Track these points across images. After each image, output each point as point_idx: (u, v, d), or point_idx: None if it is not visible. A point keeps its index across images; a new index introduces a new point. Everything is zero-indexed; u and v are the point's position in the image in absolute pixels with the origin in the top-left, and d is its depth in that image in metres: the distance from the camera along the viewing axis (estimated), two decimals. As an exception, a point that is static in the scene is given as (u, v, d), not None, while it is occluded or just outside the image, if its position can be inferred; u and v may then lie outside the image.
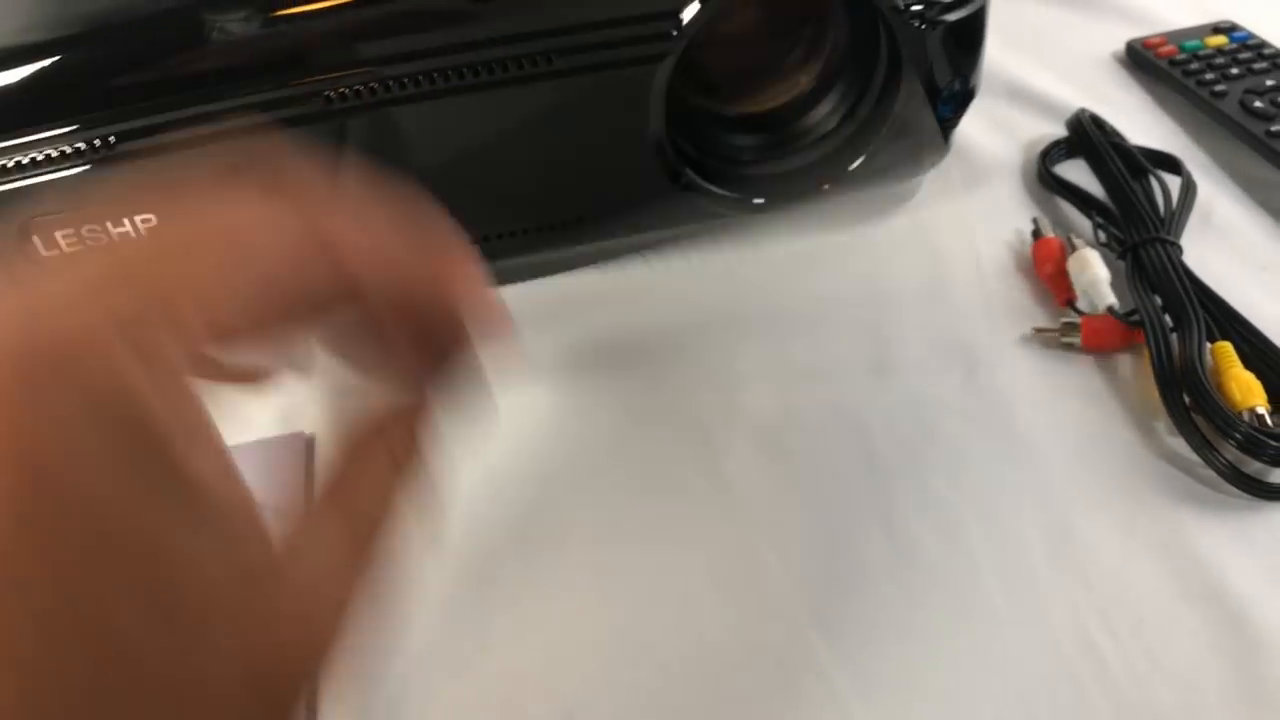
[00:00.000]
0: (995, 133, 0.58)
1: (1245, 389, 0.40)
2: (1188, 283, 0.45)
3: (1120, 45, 0.64)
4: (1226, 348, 0.42)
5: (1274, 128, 0.52)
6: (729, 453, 0.43)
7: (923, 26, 0.44)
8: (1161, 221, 0.48)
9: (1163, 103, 0.59)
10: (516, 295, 0.50)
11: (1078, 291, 0.46)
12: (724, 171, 0.48)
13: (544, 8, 0.41)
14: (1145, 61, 0.61)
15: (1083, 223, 0.51)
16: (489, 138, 0.44)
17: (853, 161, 0.48)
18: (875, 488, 0.41)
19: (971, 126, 0.58)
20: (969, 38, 0.46)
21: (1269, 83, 0.56)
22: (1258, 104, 0.54)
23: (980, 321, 0.47)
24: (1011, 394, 0.44)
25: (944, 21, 0.44)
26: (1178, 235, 0.47)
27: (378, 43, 0.41)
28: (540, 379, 0.46)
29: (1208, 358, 0.42)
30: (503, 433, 0.41)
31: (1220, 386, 0.41)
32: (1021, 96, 0.60)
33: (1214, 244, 0.50)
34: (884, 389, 0.45)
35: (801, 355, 0.46)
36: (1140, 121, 0.58)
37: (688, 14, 0.42)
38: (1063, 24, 0.67)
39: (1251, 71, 0.57)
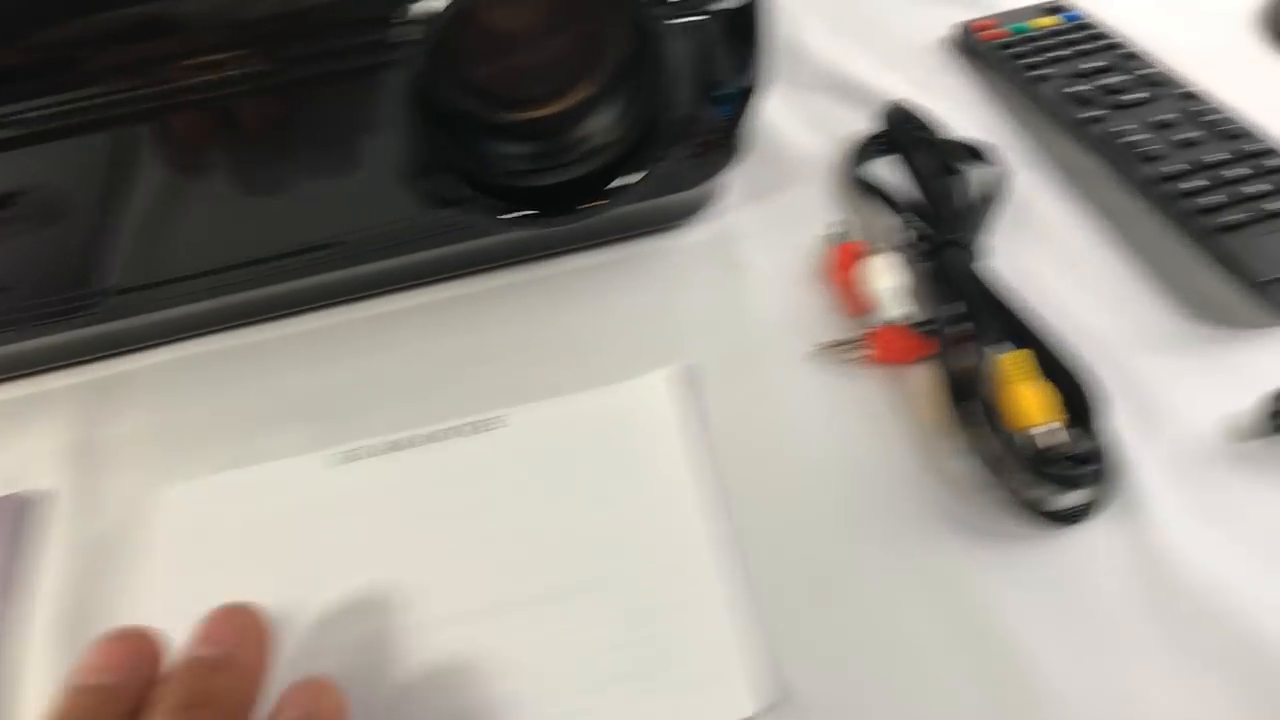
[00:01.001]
0: (811, 129, 0.54)
1: (1035, 404, 0.37)
2: (985, 287, 0.42)
3: (952, 29, 0.60)
4: (1019, 358, 0.39)
5: (1090, 114, 0.49)
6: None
7: (686, 22, 0.40)
8: (964, 220, 0.45)
9: (992, 89, 0.56)
10: (275, 332, 0.47)
11: (872, 301, 0.43)
12: (495, 184, 0.44)
13: (275, 12, 0.38)
14: (974, 46, 0.57)
15: (896, 224, 0.48)
16: (223, 157, 0.40)
17: (634, 172, 0.44)
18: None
19: (787, 123, 0.55)
20: (742, 29, 0.42)
21: (1092, 65, 0.53)
22: (1078, 88, 0.51)
23: (773, 337, 0.44)
24: (796, 414, 0.41)
25: (707, 16, 0.40)
26: (976, 235, 0.44)
27: (99, 58, 0.37)
28: (306, 420, 0.43)
29: (1000, 369, 0.39)
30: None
31: (1010, 401, 0.38)
32: (843, 88, 0.57)
33: (1031, 240, 0.47)
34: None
35: (583, 380, 0.43)
36: (969, 110, 0.55)
37: (430, 13, 0.38)
38: (894, 6, 0.63)
39: (1079, 54, 0.54)
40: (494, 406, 0.42)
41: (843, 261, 0.44)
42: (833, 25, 0.61)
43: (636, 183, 0.44)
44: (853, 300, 0.44)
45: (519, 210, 0.44)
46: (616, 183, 0.45)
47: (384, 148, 0.41)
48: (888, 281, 0.43)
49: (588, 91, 0.45)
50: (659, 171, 0.44)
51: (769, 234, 0.49)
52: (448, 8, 0.38)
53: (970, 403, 0.38)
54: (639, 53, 0.43)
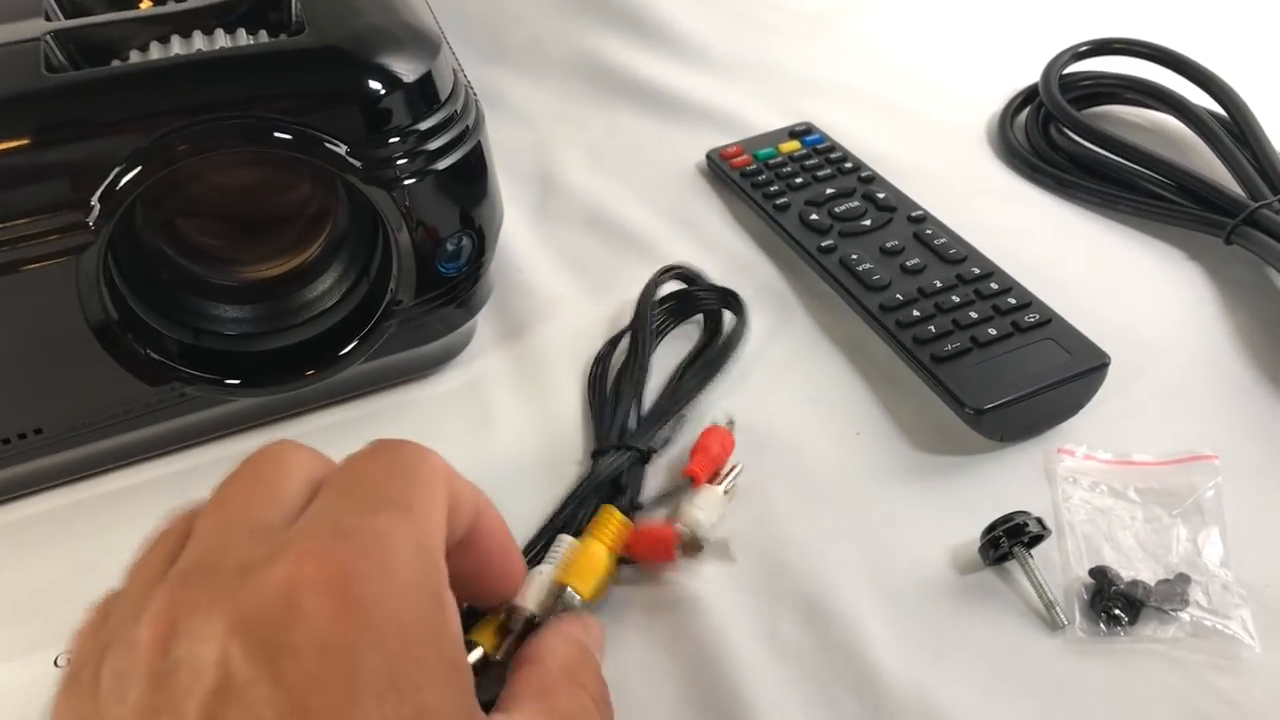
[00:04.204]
0: (562, 264, 0.54)
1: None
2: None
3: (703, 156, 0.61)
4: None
5: (824, 243, 0.51)
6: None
7: (409, 184, 0.40)
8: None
9: (739, 218, 0.57)
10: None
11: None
12: (213, 351, 0.43)
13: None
14: (721, 173, 0.59)
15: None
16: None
17: (359, 335, 0.43)
18: None
19: (538, 259, 0.54)
20: (461, 188, 0.42)
21: (829, 191, 0.54)
22: (814, 217, 0.52)
23: (525, 498, 0.43)
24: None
25: (412, 181, 0.40)
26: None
27: None
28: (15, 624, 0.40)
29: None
30: None
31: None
32: (597, 222, 0.57)
33: (770, 375, 0.47)
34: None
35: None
36: (715, 241, 0.56)
37: (99, 201, 0.36)
38: (656, 133, 0.64)
39: (816, 179, 0.55)
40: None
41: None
42: (591, 157, 0.62)
43: (357, 346, 0.43)
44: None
45: (239, 379, 0.43)
46: (346, 348, 0.43)
47: (67, 333, 0.39)
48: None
49: (308, 254, 0.44)
50: (387, 332, 0.43)
51: (521, 377, 0.48)
52: (124, 190, 0.37)
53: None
54: (360, 216, 0.42)
